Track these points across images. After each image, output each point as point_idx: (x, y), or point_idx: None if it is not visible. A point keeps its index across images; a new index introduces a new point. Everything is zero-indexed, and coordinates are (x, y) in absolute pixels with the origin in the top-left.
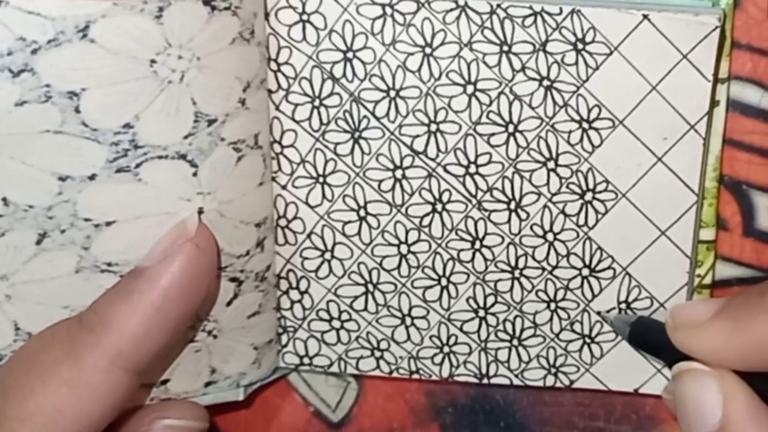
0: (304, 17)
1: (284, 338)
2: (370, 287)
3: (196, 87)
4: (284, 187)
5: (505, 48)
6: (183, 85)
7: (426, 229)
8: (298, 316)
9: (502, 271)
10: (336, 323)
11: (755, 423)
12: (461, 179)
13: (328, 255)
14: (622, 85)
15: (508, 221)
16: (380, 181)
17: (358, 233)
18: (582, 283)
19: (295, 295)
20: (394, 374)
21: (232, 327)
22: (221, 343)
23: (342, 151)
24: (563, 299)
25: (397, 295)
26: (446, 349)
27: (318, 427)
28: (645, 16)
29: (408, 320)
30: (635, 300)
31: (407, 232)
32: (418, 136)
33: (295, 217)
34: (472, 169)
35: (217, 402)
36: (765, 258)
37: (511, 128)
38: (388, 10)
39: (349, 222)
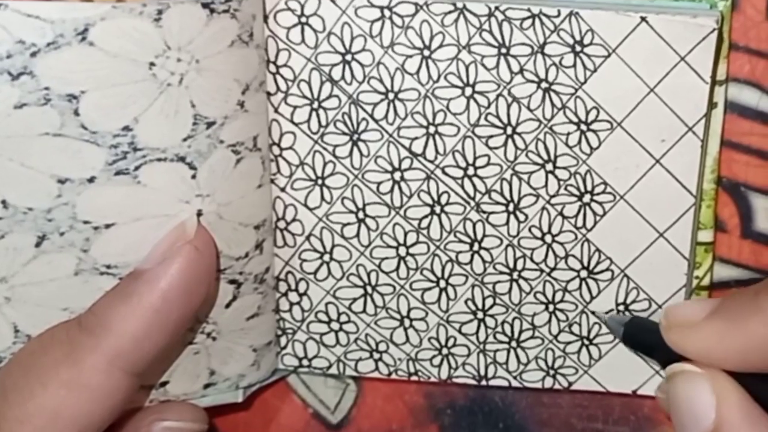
0: (303, 20)
1: (283, 340)
2: (369, 289)
3: (195, 89)
4: (283, 189)
5: (504, 50)
6: (182, 87)
7: (425, 231)
8: (297, 318)
9: (501, 272)
10: (335, 325)
11: (749, 424)
12: (460, 181)
13: (327, 257)
14: (620, 87)
15: (507, 223)
16: (379, 183)
17: (357, 235)
18: (580, 284)
19: (294, 297)
20: (393, 376)
21: (231, 329)
22: (220, 345)
23: (341, 153)
24: (562, 301)
25: (396, 296)
26: (445, 351)
27: (317, 429)
28: (643, 19)
29: (407, 322)
30: (633, 302)
31: (406, 234)
32: (416, 138)
33: (294, 219)
34: (471, 171)
35: (216, 404)
36: (763, 259)
37: (509, 130)
38: (387, 13)
39: (348, 224)
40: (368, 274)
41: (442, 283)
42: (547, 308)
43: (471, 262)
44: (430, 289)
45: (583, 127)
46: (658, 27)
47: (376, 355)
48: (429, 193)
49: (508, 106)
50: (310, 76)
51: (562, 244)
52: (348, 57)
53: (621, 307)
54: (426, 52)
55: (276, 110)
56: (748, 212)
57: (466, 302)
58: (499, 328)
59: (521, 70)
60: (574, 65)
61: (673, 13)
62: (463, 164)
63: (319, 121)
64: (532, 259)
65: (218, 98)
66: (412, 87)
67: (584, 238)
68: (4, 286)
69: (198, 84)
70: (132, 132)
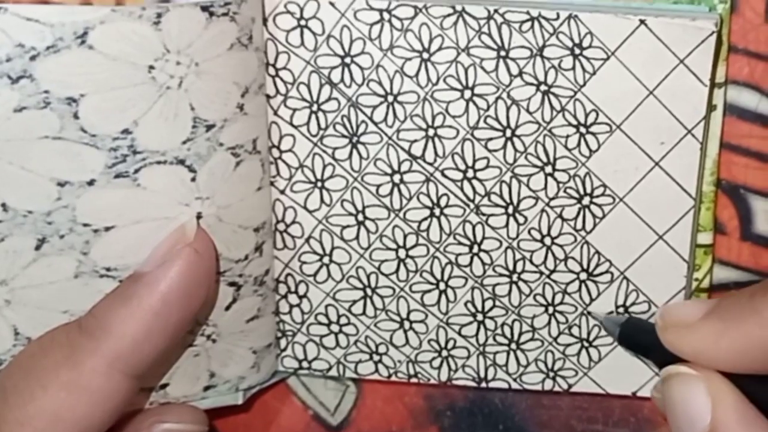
0: (302, 22)
1: (283, 342)
2: (369, 291)
3: (194, 92)
4: (283, 192)
5: (503, 53)
6: (181, 90)
7: (424, 234)
8: (297, 320)
9: (500, 275)
10: (335, 327)
11: (744, 425)
12: (459, 184)
13: (326, 259)
14: (620, 89)
15: (506, 225)
16: (378, 186)
17: (357, 238)
18: (580, 287)
19: (293, 299)
20: (393, 378)
21: (231, 331)
22: (220, 347)
23: (340, 156)
24: (561, 303)
25: (396, 299)
26: (445, 353)
27: (317, 431)
28: (642, 22)
29: (406, 324)
30: (633, 304)
31: (405, 237)
32: (416, 140)
33: (293, 222)
34: (470, 173)
35: (217, 406)
36: (762, 261)
37: (508, 133)
38: (386, 16)
39: (348, 226)
40: (368, 277)
41: (442, 286)
42: (546, 310)
43: (471, 264)
44: (429, 291)
45: (583, 129)
46: (657, 30)
47: (376, 357)
48: (428, 195)
49: (508, 108)
50: (310, 79)
51: (561, 246)
52: (347, 60)
53: (620, 310)
54: (425, 55)
55: (275, 113)
56: (747, 214)
57: (465, 304)
58: (498, 330)
59: (520, 73)
60: (573, 68)
61: (672, 16)
62: (462, 167)
63: (319, 124)
64: (531, 262)
65: (217, 101)
66: (411, 90)
67: (584, 241)
68: (4, 288)
69: (197, 87)
70: (131, 135)
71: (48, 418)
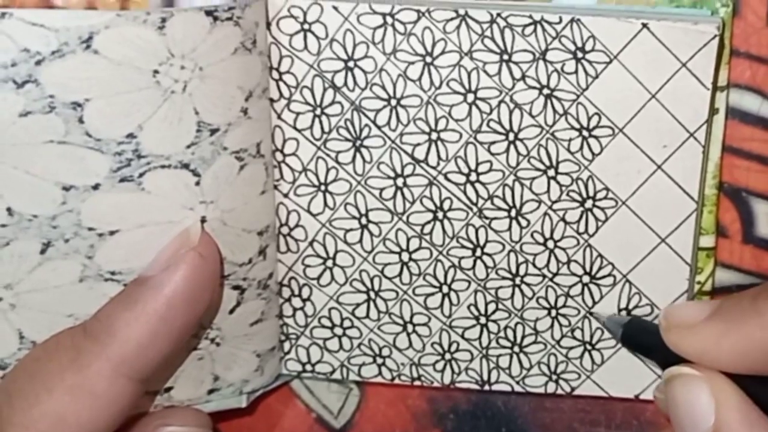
0: (306, 26)
1: (286, 345)
2: (372, 294)
3: (198, 97)
4: (286, 196)
5: (506, 57)
6: (185, 95)
7: (427, 237)
8: (301, 324)
9: (503, 278)
10: (338, 330)
11: (747, 426)
12: (462, 187)
13: (330, 262)
14: (622, 93)
15: (509, 229)
16: (381, 189)
17: (360, 241)
18: (582, 290)
19: (297, 302)
20: (396, 381)
21: (234, 335)
22: (224, 350)
23: (343, 160)
24: (564, 306)
25: (399, 302)
26: (448, 356)
27: None
28: (644, 25)
29: (410, 327)
30: (635, 307)
31: (408, 240)
32: (419, 144)
33: (297, 225)
34: (473, 177)
35: (220, 409)
36: (764, 264)
37: (511, 136)
38: (389, 20)
39: (351, 230)
40: (371, 280)
41: (445, 289)
42: (549, 313)
43: (473, 267)
44: (432, 294)
45: (585, 133)
46: (659, 33)
47: (380, 360)
48: (431, 199)
49: (510, 112)
50: (313, 83)
51: (564, 249)
52: (350, 64)
53: (623, 313)
54: (428, 59)
55: (279, 117)
56: (749, 217)
57: (468, 307)
58: (501, 333)
59: (523, 77)
60: (576, 71)
61: (675, 19)
62: (465, 170)
63: (322, 128)
64: (534, 265)
65: (221, 105)
66: (414, 93)
67: (586, 244)
68: (10, 292)
69: (201, 91)
70: (136, 139)
71: (53, 421)
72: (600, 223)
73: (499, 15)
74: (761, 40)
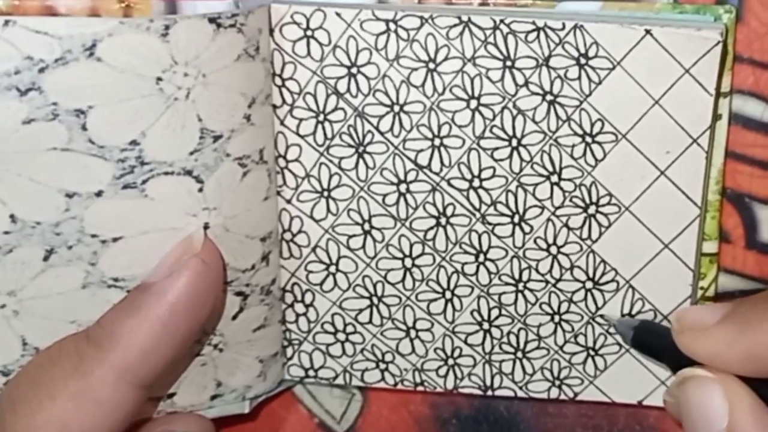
0: (309, 33)
1: (289, 351)
2: (375, 300)
3: (201, 103)
4: (289, 201)
5: (509, 63)
6: (189, 101)
7: (430, 243)
8: (303, 329)
9: (506, 284)
10: (341, 336)
11: (761, 428)
12: (465, 193)
13: (333, 268)
14: (625, 99)
15: (512, 235)
16: (385, 195)
17: (363, 247)
18: (586, 295)
19: (300, 308)
20: (399, 386)
21: (237, 340)
22: (227, 356)
23: (346, 166)
24: (567, 312)
25: (402, 307)
26: (451, 362)
27: None
28: (647, 32)
29: (413, 333)
30: (639, 312)
31: (411, 246)
32: (422, 150)
33: (300, 231)
34: (476, 183)
35: (223, 415)
36: (767, 270)
37: (514, 142)
38: (392, 26)
39: (354, 235)
40: (374, 285)
41: (448, 294)
42: (552, 319)
43: (476, 273)
44: (435, 300)
45: (588, 139)
46: (662, 40)
47: (382, 366)
48: (434, 204)
49: (513, 118)
50: (316, 89)
51: (567, 255)
52: (353, 70)
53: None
54: (431, 65)
55: (282, 123)
56: (752, 223)
57: (471, 313)
58: (504, 339)
59: (526, 83)
60: (579, 78)
61: (678, 25)
62: (468, 176)
63: (325, 134)
64: (537, 270)
65: (225, 112)
66: (417, 99)
67: (589, 249)
68: (13, 299)
69: (205, 98)
70: (139, 146)
71: (56, 428)
72: (603, 229)
73: (502, 21)
74: (764, 46)
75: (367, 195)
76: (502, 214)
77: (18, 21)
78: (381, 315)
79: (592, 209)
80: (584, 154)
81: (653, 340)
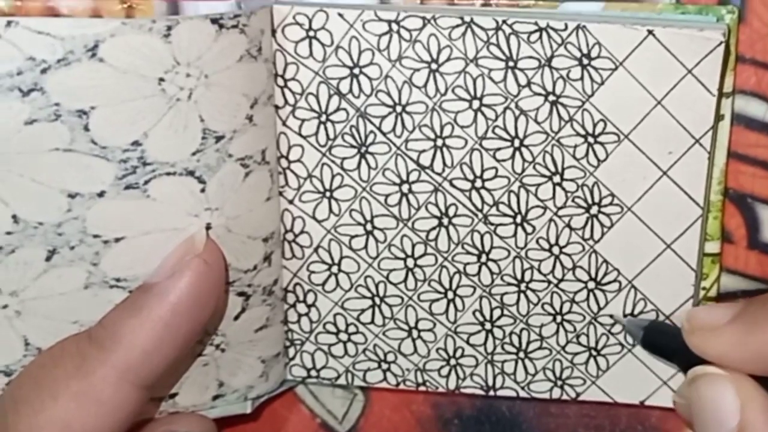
0: (311, 33)
1: (291, 351)
2: (377, 300)
3: (203, 104)
4: (291, 202)
5: (511, 63)
6: (191, 102)
7: (432, 243)
8: (306, 329)
9: (509, 284)
10: (343, 336)
11: None
12: (467, 193)
13: (335, 269)
14: (627, 99)
15: (514, 235)
16: (387, 196)
17: (365, 247)
18: (588, 296)
19: (302, 308)
20: (401, 386)
21: (239, 340)
22: (229, 356)
23: (349, 166)
24: (569, 312)
25: (404, 308)
26: (453, 362)
27: None
28: (650, 32)
29: (415, 333)
30: (641, 312)
31: (414, 246)
32: (424, 150)
33: (302, 232)
34: (478, 183)
35: (225, 415)
36: None
37: (516, 143)
38: (395, 27)
39: (356, 236)
40: (376, 286)
41: (450, 295)
42: (554, 319)
43: (479, 273)
44: (438, 300)
45: (591, 139)
46: (665, 40)
47: (384, 366)
48: (437, 205)
49: (516, 118)
50: (318, 90)
51: (569, 255)
52: (356, 70)
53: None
54: (433, 66)
55: (284, 123)
56: (754, 223)
57: (473, 313)
58: (506, 339)
59: (528, 83)
60: (582, 78)
61: (680, 26)
62: (470, 176)
63: (327, 134)
64: (539, 271)
65: (227, 112)
66: (419, 100)
67: (592, 250)
68: (15, 299)
69: (207, 99)
70: (141, 147)
71: (58, 428)
72: (605, 229)
73: (504, 22)
74: (767, 46)
75: (370, 195)
76: (505, 215)
77: (20, 22)
78: (383, 315)
79: (594, 209)
80: (586, 154)
81: (663, 340)
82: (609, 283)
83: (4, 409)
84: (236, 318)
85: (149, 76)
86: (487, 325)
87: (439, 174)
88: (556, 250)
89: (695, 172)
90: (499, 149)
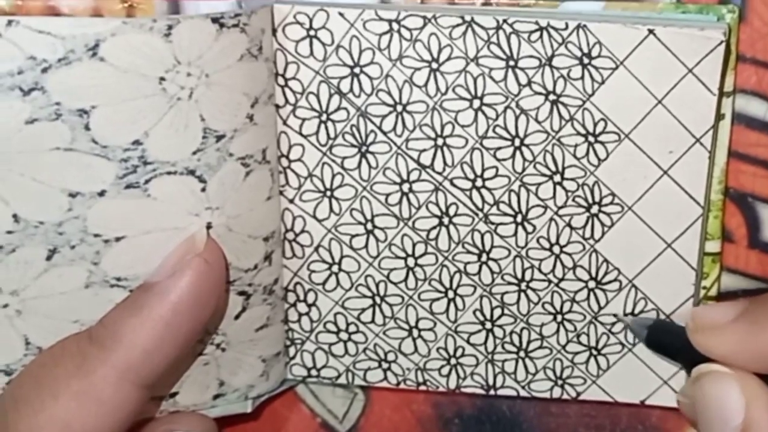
0: (312, 33)
1: (292, 350)
2: (378, 299)
3: (204, 103)
4: (292, 201)
5: (512, 63)
6: (192, 101)
7: (433, 242)
8: (306, 329)
9: (509, 283)
10: (343, 335)
11: None
12: (468, 193)
13: (335, 268)
14: (628, 99)
15: (515, 234)
16: (387, 195)
17: (366, 246)
18: (588, 295)
19: (302, 307)
20: (402, 386)
21: (240, 340)
22: (229, 355)
23: (349, 165)
24: (570, 311)
25: (405, 307)
26: (453, 361)
27: None
28: (650, 31)
29: (415, 332)
30: (641, 312)
31: (414, 245)
32: (424, 150)
33: (302, 231)
34: (479, 182)
35: (226, 414)
36: None
37: (517, 142)
38: (395, 26)
39: (357, 235)
40: (377, 285)
41: (451, 294)
42: (555, 318)
43: (479, 272)
44: (438, 299)
45: (591, 138)
46: (665, 39)
47: (385, 365)
48: (437, 204)
49: (516, 118)
50: (319, 89)
51: (570, 254)
52: (356, 70)
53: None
54: (434, 65)
55: (285, 123)
56: (755, 222)
57: (474, 312)
58: (507, 339)
59: (529, 83)
60: (582, 77)
61: (681, 25)
62: (471, 176)
63: (328, 134)
64: (540, 270)
65: (227, 112)
66: (420, 99)
67: (592, 249)
68: (16, 299)
69: (207, 98)
70: (142, 146)
71: (58, 427)
72: (606, 229)
73: (505, 21)
74: (767, 45)
75: (370, 195)
76: (505, 214)
77: (21, 21)
78: (383, 314)
79: (594, 209)
80: (587, 153)
81: (667, 339)
82: (609, 282)
83: (4, 409)
84: (237, 317)
85: (150, 76)
86: (488, 325)
87: (439, 173)
88: (556, 249)
89: (696, 172)
90: (499, 148)
